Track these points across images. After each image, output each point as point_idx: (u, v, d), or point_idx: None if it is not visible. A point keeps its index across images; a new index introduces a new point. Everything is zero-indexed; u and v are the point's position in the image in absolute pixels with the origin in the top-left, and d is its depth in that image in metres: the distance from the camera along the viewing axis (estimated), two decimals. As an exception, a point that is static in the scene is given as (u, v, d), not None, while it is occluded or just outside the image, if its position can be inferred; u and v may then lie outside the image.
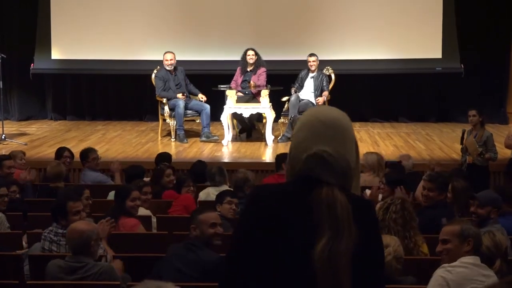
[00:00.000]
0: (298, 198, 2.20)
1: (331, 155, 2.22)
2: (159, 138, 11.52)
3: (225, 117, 10.87)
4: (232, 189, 6.85)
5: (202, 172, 7.78)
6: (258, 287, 2.20)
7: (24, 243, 5.64)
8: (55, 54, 13.29)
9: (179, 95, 11.06)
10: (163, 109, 11.23)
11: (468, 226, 4.19)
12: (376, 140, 11.43)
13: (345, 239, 2.12)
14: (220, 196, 6.22)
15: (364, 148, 10.22)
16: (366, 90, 13.42)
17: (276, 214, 2.20)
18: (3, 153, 8.84)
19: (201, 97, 11.27)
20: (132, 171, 7.65)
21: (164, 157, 8.55)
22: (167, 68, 11.24)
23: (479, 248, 4.14)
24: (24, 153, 8.75)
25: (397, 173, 7.16)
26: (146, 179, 7.62)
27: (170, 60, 11.21)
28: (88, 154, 8.35)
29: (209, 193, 7.19)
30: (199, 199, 7.16)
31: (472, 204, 5.59)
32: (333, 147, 2.25)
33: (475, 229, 4.19)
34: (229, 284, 2.28)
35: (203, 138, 11.08)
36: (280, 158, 8.00)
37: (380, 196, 6.36)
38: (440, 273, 3.96)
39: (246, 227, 2.26)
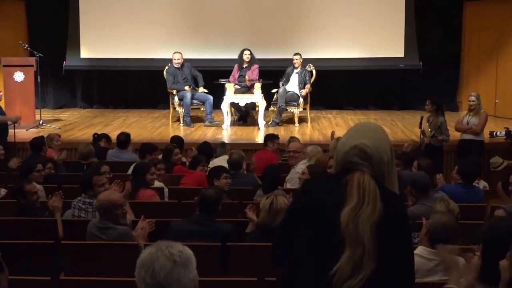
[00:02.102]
0: (337, 184, 2.21)
1: (369, 147, 2.24)
2: (170, 123, 11.49)
3: (225, 106, 10.88)
4: (224, 166, 6.69)
5: (206, 150, 7.76)
6: (303, 251, 2.21)
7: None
8: (84, 54, 13.24)
9: (186, 88, 11.06)
10: (173, 99, 11.23)
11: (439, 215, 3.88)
12: (350, 125, 11.36)
13: (370, 208, 2.10)
14: (217, 173, 6.13)
15: (339, 131, 10.22)
16: (342, 83, 13.41)
17: (322, 205, 2.21)
18: (41, 135, 8.79)
19: (202, 90, 11.24)
20: (145, 147, 7.60)
21: (177, 139, 8.52)
22: (175, 65, 11.21)
23: (436, 238, 3.69)
24: (59, 136, 8.71)
25: None
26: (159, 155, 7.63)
27: (178, 59, 11.19)
28: (130, 138, 8.39)
29: (214, 162, 7.24)
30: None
31: None
32: (372, 141, 2.26)
33: (439, 218, 3.78)
34: (282, 245, 2.33)
35: (207, 123, 11.08)
36: (267, 137, 8.34)
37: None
38: None
39: (296, 211, 2.30)
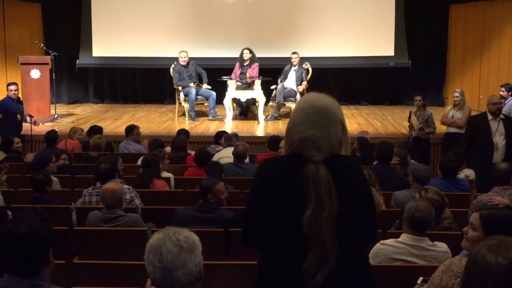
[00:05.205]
0: (294, 171, 2.21)
1: (319, 138, 2.23)
2: (176, 117, 11.47)
3: (227, 101, 10.85)
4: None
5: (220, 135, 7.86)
6: (267, 233, 2.24)
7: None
8: (96, 52, 13.20)
9: (191, 84, 11.03)
10: (179, 95, 11.19)
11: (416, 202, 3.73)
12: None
13: (327, 209, 2.13)
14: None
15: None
16: (336, 80, 13.38)
17: (279, 181, 2.23)
18: (55, 129, 8.78)
19: (206, 87, 11.21)
20: (154, 143, 7.58)
21: (183, 132, 8.51)
22: (181, 63, 11.18)
23: (410, 223, 3.57)
24: (82, 130, 8.61)
25: (359, 148, 7.05)
26: (168, 148, 7.67)
27: (184, 57, 11.17)
28: (133, 129, 8.27)
29: (220, 153, 7.22)
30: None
31: None
32: (321, 130, 2.25)
33: (411, 204, 3.65)
34: (249, 228, 2.33)
35: (210, 117, 11.06)
36: (273, 141, 7.09)
37: None
38: (378, 245, 3.62)
39: (258, 189, 2.29)
